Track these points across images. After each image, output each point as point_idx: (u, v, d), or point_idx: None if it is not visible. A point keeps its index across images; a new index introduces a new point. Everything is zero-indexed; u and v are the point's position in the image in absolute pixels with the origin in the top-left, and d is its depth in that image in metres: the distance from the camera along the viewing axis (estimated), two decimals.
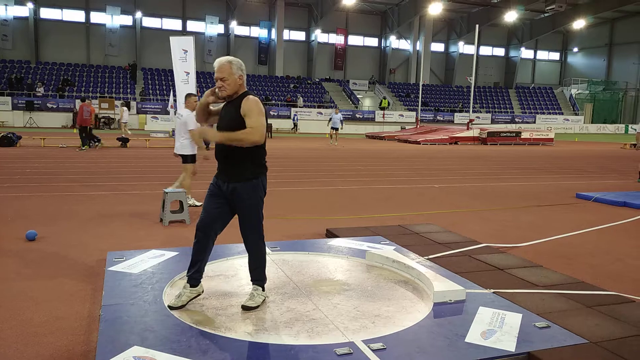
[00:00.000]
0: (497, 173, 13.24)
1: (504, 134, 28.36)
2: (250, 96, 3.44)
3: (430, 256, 4.87)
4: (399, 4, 43.64)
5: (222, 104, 3.61)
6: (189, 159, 7.30)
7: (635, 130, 12.37)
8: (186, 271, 3.64)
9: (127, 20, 38.93)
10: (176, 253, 4.70)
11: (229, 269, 4.43)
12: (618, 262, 5.14)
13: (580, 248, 5.68)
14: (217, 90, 3.48)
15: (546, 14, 45.22)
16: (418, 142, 26.36)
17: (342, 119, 23.33)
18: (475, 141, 27.62)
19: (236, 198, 3.50)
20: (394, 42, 46.62)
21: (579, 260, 5.16)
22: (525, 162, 16.87)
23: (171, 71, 25.42)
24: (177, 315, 3.39)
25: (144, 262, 4.40)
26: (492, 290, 3.95)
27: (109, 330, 3.10)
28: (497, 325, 3.30)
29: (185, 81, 21.76)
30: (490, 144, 26.98)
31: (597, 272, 4.76)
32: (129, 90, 35.42)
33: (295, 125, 34.76)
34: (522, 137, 28.21)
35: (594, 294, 3.94)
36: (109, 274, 4.14)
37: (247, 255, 3.61)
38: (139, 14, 39.12)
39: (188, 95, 7.38)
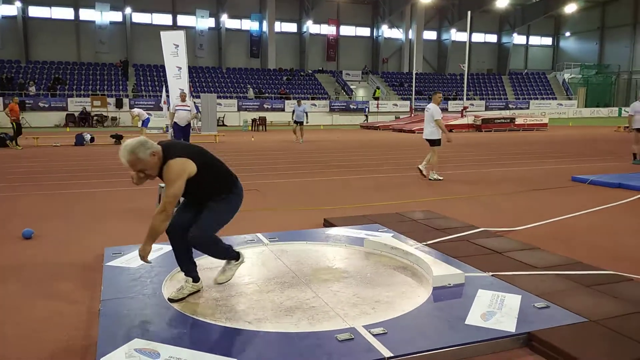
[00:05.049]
0: (492, 159, 13.26)
1: (498, 121, 28.39)
2: (170, 161, 3.22)
3: (429, 242, 4.88)
4: None
5: None
6: (436, 142, 9.32)
7: (629, 112, 12.40)
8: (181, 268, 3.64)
9: (116, 16, 38.57)
10: None
11: None
12: (614, 242, 5.16)
13: (577, 229, 5.71)
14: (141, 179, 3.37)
15: None
16: (413, 131, 26.31)
17: (306, 110, 20.32)
18: (470, 128, 27.63)
19: None
20: (386, 31, 46.41)
21: (576, 242, 5.18)
22: (520, 147, 16.89)
23: (163, 67, 25.20)
24: (177, 307, 3.39)
25: None
26: (491, 273, 3.97)
27: (109, 324, 3.09)
28: (496, 307, 3.32)
29: (177, 76, 21.53)
30: (485, 131, 27.00)
31: (595, 252, 4.78)
32: (121, 87, 35.21)
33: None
34: (516, 123, 28.24)
35: (592, 274, 3.96)
36: (107, 269, 4.13)
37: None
38: (128, 10, 38.75)
39: (435, 93, 9.58)
